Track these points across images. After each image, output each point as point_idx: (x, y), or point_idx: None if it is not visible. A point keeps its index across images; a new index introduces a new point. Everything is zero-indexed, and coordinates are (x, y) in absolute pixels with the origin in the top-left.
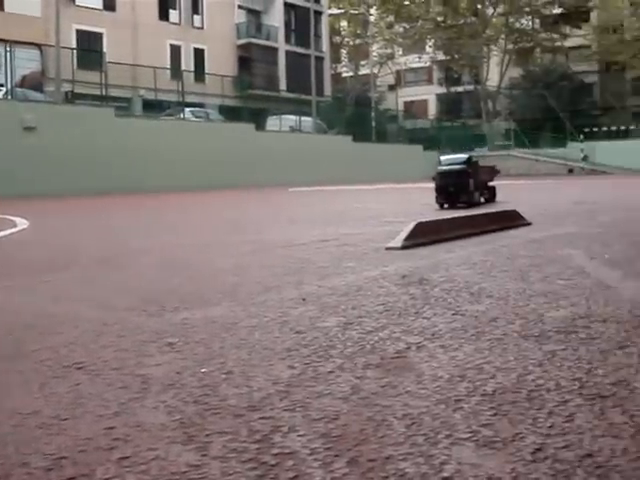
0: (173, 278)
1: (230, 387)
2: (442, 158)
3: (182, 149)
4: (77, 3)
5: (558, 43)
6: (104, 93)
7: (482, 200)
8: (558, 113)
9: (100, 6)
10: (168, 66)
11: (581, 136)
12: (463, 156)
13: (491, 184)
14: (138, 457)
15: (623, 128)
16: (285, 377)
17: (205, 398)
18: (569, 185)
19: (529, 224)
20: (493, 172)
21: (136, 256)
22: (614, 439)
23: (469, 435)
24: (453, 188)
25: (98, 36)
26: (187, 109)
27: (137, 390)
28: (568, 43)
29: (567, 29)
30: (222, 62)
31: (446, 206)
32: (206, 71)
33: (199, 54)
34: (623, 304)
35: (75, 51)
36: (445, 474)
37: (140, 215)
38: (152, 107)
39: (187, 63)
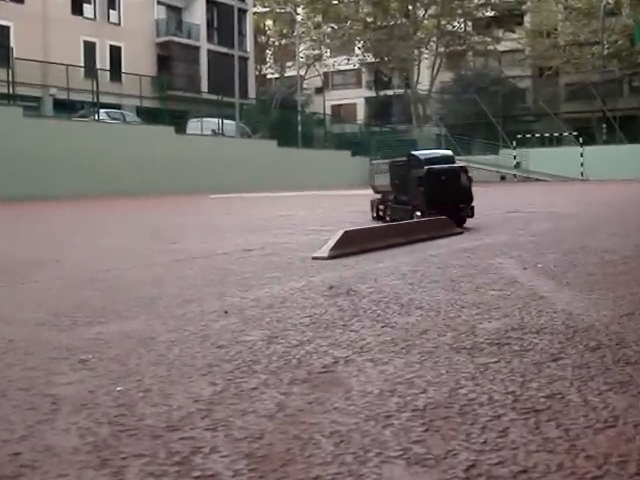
0: (86, 290)
1: (147, 406)
2: (418, 153)
3: (97, 152)
4: None
5: (491, 47)
6: (11, 91)
7: None
8: (490, 118)
9: None
10: (82, 64)
11: (514, 143)
12: (446, 152)
13: None
14: None
15: (556, 135)
16: (206, 394)
17: (121, 418)
18: (501, 193)
19: (461, 233)
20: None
21: (46, 266)
22: (549, 454)
23: (400, 453)
24: (455, 197)
25: (5, 30)
26: (102, 110)
27: (46, 411)
28: (501, 47)
29: (500, 32)
30: (140, 61)
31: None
32: (123, 70)
33: (115, 52)
34: (557, 315)
35: None
36: None
37: (50, 223)
38: (64, 107)
39: (102, 61)
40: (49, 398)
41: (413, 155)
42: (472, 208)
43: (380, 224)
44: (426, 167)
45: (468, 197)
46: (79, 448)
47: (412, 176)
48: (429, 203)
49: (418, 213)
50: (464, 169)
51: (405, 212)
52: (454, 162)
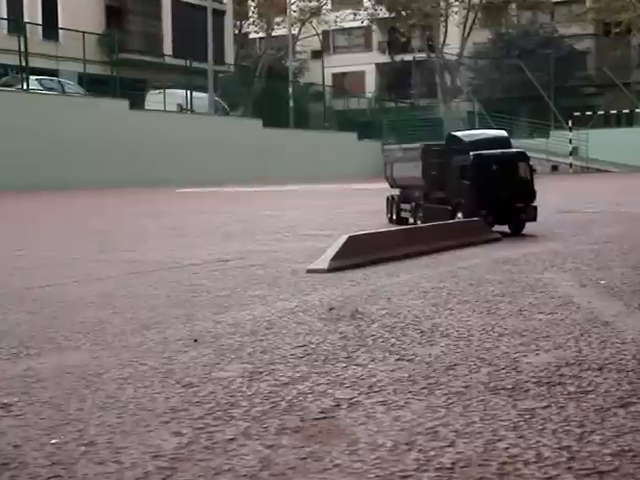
0: (12, 312)
1: (92, 464)
2: (461, 135)
3: (26, 133)
4: None
5: None
6: None
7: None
8: (539, 91)
9: None
10: (4, 15)
11: (569, 122)
12: (498, 132)
13: None
14: None
15: (626, 112)
16: (169, 448)
17: None
18: (553, 187)
19: (499, 238)
20: None
21: None
22: None
23: None
24: (511, 194)
25: None
26: (33, 77)
27: None
28: None
29: None
30: (83, 13)
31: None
32: (60, 25)
33: (50, 0)
34: (625, 346)
35: None
36: None
37: None
38: None
39: (32, 12)
40: None
41: (454, 137)
42: (535, 209)
43: (394, 228)
44: (472, 153)
45: (529, 193)
46: None
47: (453, 165)
48: (477, 201)
49: (460, 215)
50: (524, 156)
51: (442, 214)
52: (510, 146)
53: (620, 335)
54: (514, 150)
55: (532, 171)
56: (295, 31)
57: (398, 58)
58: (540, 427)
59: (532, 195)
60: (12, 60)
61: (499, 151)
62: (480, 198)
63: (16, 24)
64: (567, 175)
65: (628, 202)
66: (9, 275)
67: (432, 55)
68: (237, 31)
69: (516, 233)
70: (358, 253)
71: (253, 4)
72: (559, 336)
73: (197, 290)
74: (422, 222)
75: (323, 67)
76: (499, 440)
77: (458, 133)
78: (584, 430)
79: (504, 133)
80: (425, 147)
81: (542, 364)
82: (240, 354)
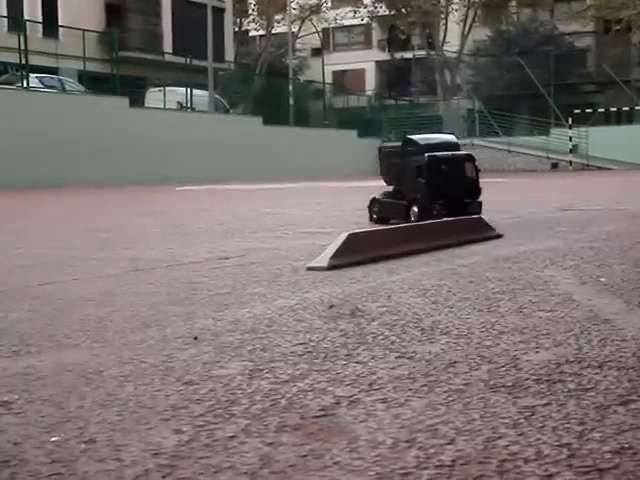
0: (11, 310)
1: (92, 462)
2: (416, 138)
3: (26, 131)
4: None
5: None
6: None
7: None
8: (539, 89)
9: None
10: (4, 13)
11: (570, 120)
12: (448, 137)
13: None
14: None
15: (626, 109)
16: (169, 446)
17: (57, 479)
18: (553, 185)
19: (499, 236)
20: None
21: None
22: None
23: None
24: (461, 191)
25: None
26: (33, 75)
27: None
28: None
29: None
30: (83, 11)
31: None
32: (60, 22)
33: None
34: (625, 344)
35: None
36: None
37: None
38: None
39: (32, 10)
40: None
41: (410, 140)
42: (480, 204)
43: (396, 225)
44: (427, 155)
45: (475, 190)
46: None
47: (409, 165)
48: (431, 197)
49: (415, 209)
50: (471, 157)
51: (397, 208)
52: (459, 149)
53: (620, 333)
54: (462, 152)
55: (477, 171)
56: (295, 29)
57: (398, 56)
58: (540, 425)
59: (478, 192)
60: (12, 58)
61: (450, 153)
62: (433, 194)
63: (16, 22)
64: (567, 173)
65: (628, 200)
66: (9, 273)
67: (432, 53)
68: (237, 29)
69: None
70: (358, 251)
71: (253, 2)
72: (559, 334)
73: (197, 288)
74: (377, 215)
75: (323, 65)
76: (499, 438)
77: (414, 137)
78: (584, 428)
79: (453, 137)
80: (381, 148)
81: (542, 362)
82: (240, 352)
